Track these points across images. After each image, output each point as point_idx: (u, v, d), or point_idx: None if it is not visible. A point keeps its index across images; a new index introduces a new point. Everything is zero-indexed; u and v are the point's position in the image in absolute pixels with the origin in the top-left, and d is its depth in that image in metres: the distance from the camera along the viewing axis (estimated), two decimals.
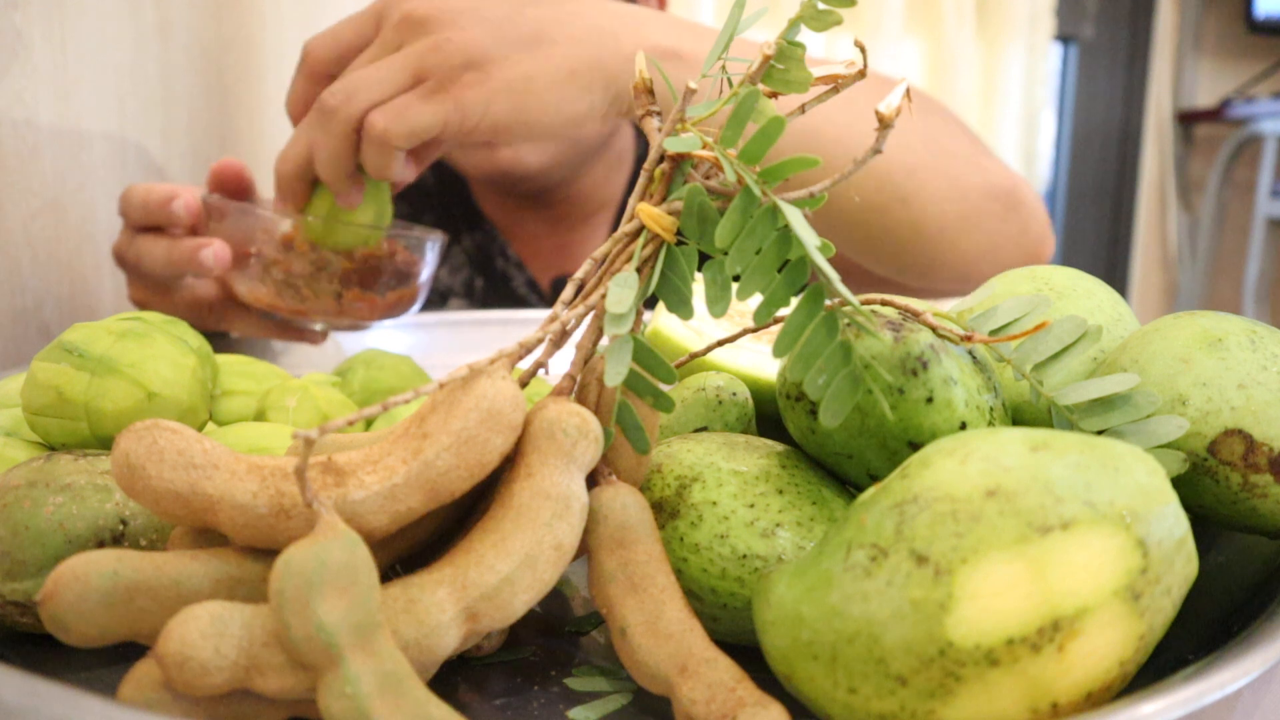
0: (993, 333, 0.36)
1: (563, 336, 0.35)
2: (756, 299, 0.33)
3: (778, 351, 0.32)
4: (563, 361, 0.69)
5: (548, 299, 0.99)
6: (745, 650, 0.34)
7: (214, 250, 0.59)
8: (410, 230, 0.66)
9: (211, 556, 0.30)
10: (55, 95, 0.70)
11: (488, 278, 1.00)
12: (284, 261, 0.60)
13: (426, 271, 0.66)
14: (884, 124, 0.33)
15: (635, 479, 0.35)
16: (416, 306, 0.67)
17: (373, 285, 0.62)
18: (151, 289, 0.65)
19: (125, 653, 0.36)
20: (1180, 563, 0.28)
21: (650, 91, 0.38)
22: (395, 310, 0.64)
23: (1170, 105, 2.75)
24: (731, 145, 0.34)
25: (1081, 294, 0.42)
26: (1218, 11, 2.71)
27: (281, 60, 1.13)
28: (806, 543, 0.34)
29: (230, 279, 0.62)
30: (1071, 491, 0.27)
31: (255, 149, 1.03)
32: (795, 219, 0.32)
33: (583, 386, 0.35)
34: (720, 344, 0.42)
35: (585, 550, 0.34)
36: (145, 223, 0.62)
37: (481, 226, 1.01)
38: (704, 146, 0.34)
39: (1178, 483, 0.35)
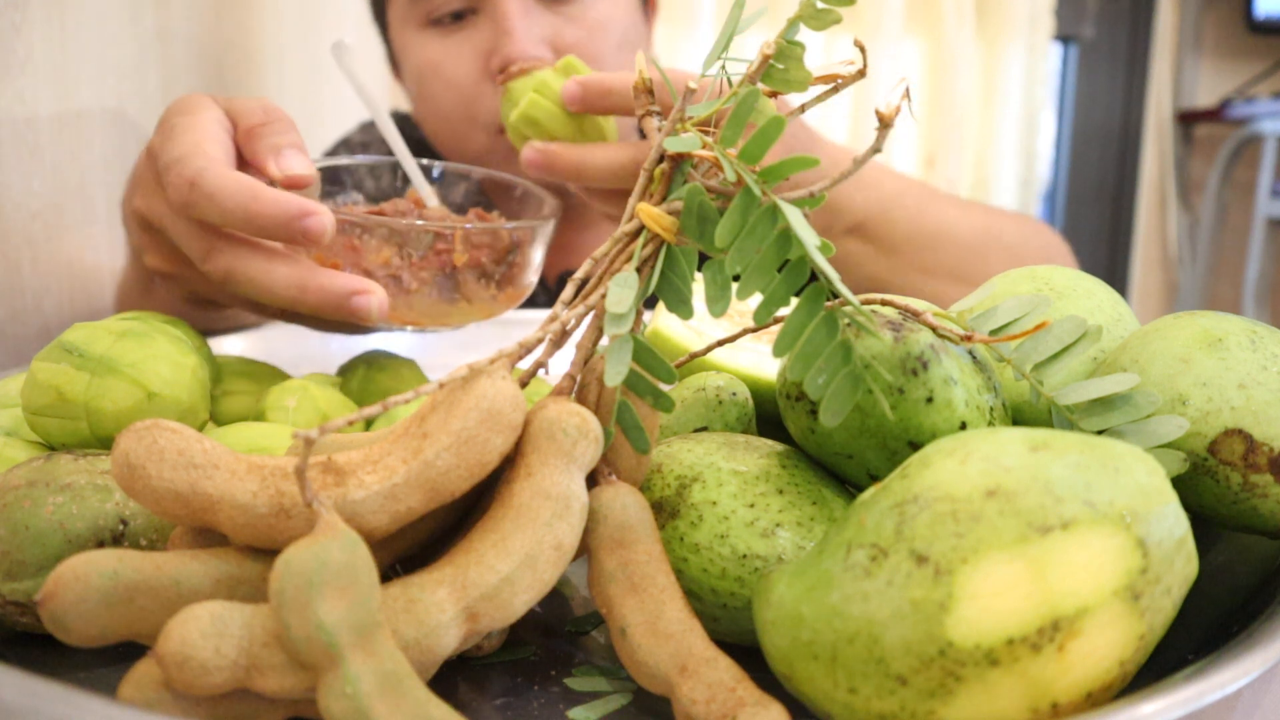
0: (993, 333, 0.36)
1: (563, 336, 0.35)
2: (756, 299, 0.33)
3: (778, 351, 0.32)
4: (563, 361, 0.69)
5: (552, 292, 1.00)
6: (745, 650, 0.34)
7: (377, 300, 0.48)
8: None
9: (211, 556, 0.30)
10: (55, 95, 0.70)
11: None
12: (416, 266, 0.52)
13: (536, 260, 0.57)
14: (884, 124, 0.33)
15: (635, 479, 0.35)
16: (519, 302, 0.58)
17: (490, 274, 0.54)
18: (200, 273, 0.52)
19: (125, 653, 0.36)
20: (1180, 563, 0.28)
21: (650, 91, 0.38)
22: (506, 305, 0.57)
23: (1170, 105, 2.74)
24: (731, 145, 0.34)
25: (1081, 294, 0.42)
26: (1218, 11, 2.71)
27: (281, 61, 1.13)
28: (806, 543, 0.34)
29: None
30: (1071, 491, 0.27)
31: None
32: (795, 219, 0.32)
33: (583, 386, 0.35)
34: (720, 344, 0.42)
35: (585, 550, 0.34)
36: (249, 234, 0.47)
37: None
38: (704, 146, 0.34)
39: (1178, 483, 0.35)
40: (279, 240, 0.47)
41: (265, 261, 0.48)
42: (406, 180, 0.64)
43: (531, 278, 0.57)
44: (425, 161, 0.63)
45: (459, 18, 0.86)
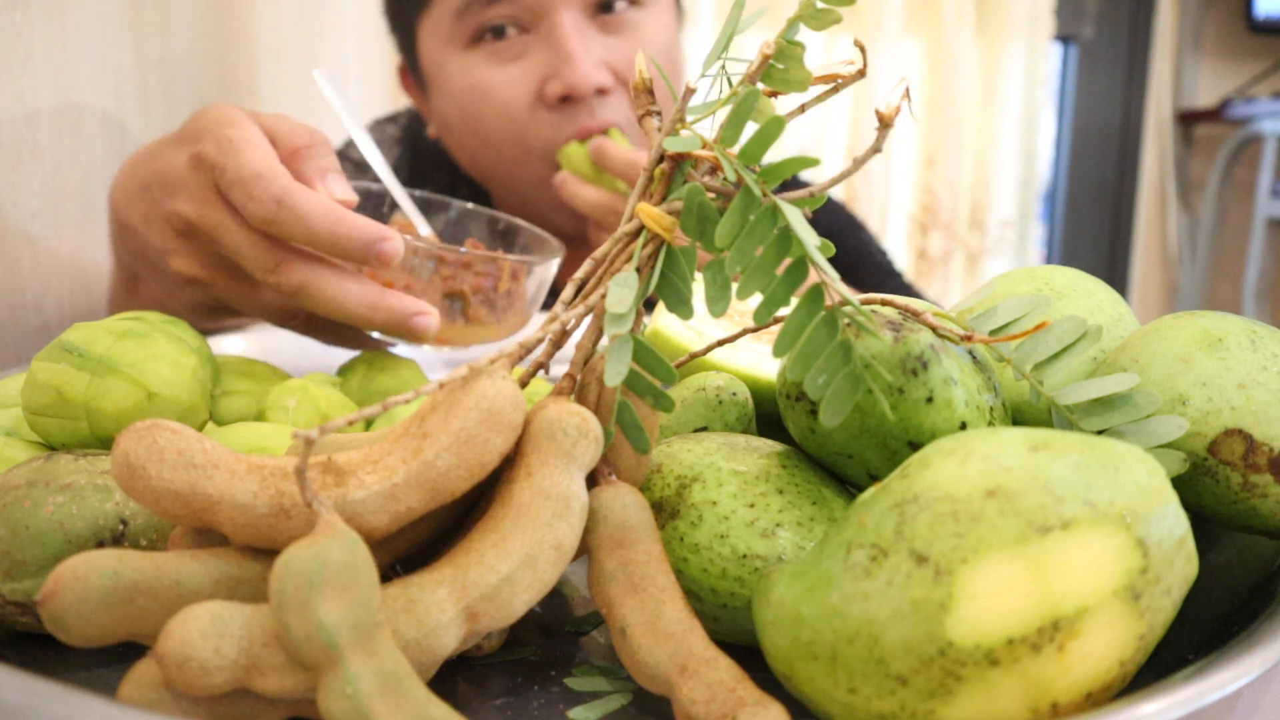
0: (993, 333, 0.36)
1: (563, 336, 0.35)
2: (756, 299, 0.33)
3: (778, 351, 0.32)
4: (563, 361, 0.70)
5: None
6: (745, 650, 0.34)
7: (434, 321, 0.52)
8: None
9: (211, 556, 0.30)
10: (55, 95, 0.70)
11: None
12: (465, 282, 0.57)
13: (529, 293, 0.62)
14: (884, 123, 0.33)
15: (635, 479, 0.35)
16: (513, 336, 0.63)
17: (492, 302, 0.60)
18: (239, 282, 0.55)
19: (125, 653, 0.36)
20: (1180, 563, 0.28)
21: (650, 91, 0.38)
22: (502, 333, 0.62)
23: (1170, 105, 2.74)
24: (731, 145, 0.34)
25: (1081, 294, 0.42)
26: (1218, 11, 2.71)
27: (280, 61, 1.13)
28: (806, 543, 0.34)
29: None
30: (1071, 491, 0.27)
31: None
32: (795, 219, 0.32)
33: (583, 386, 0.35)
34: (720, 344, 0.42)
35: (585, 550, 0.34)
36: (329, 254, 0.50)
37: None
38: (704, 146, 0.34)
39: (1178, 483, 0.35)
40: (354, 261, 0.50)
41: (339, 279, 0.50)
42: (394, 206, 0.66)
43: (533, 309, 0.63)
44: (441, 199, 0.71)
45: (500, 34, 0.85)
